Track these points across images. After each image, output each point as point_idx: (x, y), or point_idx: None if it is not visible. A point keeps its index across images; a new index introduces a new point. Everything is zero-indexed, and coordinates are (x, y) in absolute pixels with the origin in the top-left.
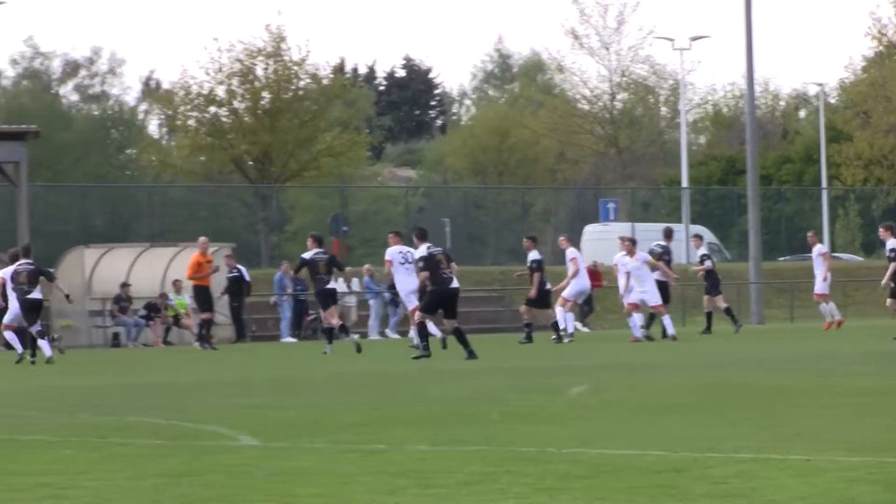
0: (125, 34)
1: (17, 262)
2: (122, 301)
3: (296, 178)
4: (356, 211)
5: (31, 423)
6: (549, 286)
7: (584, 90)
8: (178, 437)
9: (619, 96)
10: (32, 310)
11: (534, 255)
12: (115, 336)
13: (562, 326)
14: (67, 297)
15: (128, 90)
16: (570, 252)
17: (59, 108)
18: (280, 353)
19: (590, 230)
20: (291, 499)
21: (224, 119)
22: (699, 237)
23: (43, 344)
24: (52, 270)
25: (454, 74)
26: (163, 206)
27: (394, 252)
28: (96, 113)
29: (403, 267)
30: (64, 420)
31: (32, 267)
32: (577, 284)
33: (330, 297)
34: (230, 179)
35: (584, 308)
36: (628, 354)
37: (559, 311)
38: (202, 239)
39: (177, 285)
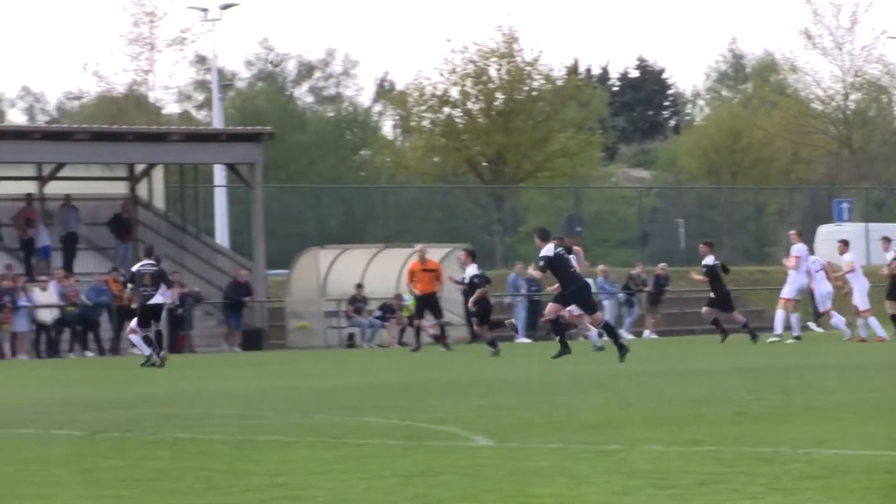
0: (359, 35)
1: (140, 263)
2: (357, 302)
3: (530, 178)
4: (590, 211)
5: (267, 424)
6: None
7: (817, 90)
8: (413, 438)
9: (852, 96)
10: (151, 313)
11: (708, 260)
12: (350, 337)
13: (778, 331)
14: (177, 307)
15: (362, 91)
16: (794, 248)
17: (294, 109)
18: (515, 354)
19: (824, 230)
20: (526, 499)
21: (458, 120)
22: (887, 239)
23: (137, 341)
24: (169, 277)
25: (687, 75)
26: (397, 207)
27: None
28: (331, 114)
29: None
30: (299, 421)
31: (155, 269)
32: (794, 282)
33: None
34: (464, 180)
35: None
36: (861, 354)
37: (779, 314)
38: (419, 247)
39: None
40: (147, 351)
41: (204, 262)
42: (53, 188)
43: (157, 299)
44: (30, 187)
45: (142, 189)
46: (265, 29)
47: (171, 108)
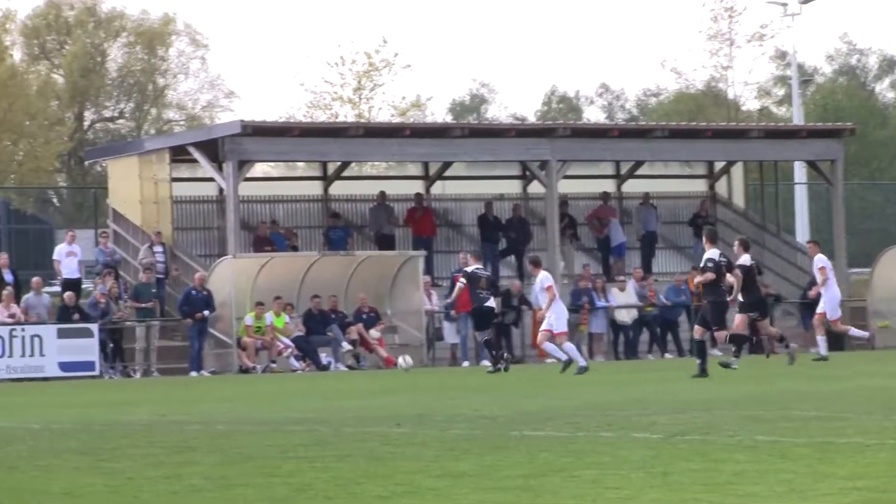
0: None
1: (474, 266)
2: None
3: None
4: None
5: (848, 426)
6: None
7: None
8: None
9: None
10: (485, 316)
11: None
12: None
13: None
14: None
15: None
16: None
17: (876, 105)
18: None
19: None
20: None
21: None
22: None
23: (551, 349)
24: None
25: None
26: None
27: None
28: None
29: None
30: (881, 422)
31: (488, 274)
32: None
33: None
34: None
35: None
36: None
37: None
38: None
39: None
40: (489, 358)
41: (784, 261)
42: (631, 186)
43: (493, 303)
44: (607, 185)
45: (721, 187)
46: (845, 23)
47: (751, 104)
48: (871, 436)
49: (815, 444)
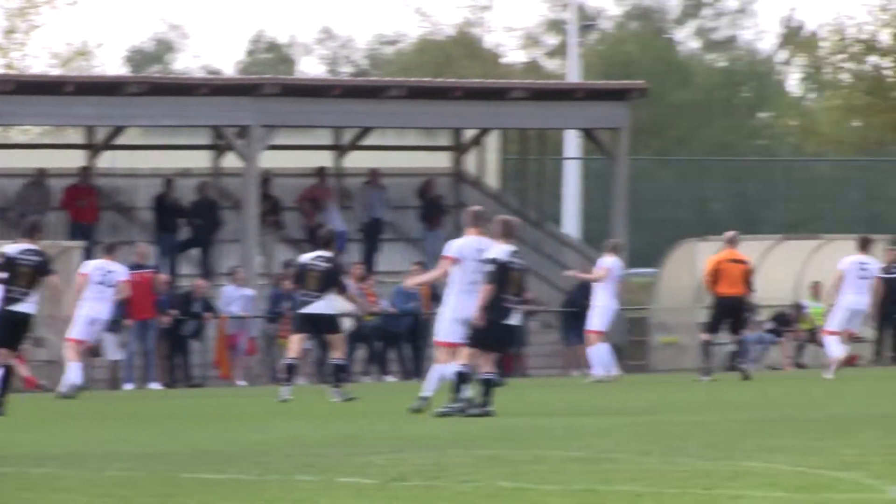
0: None
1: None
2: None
3: None
4: None
5: (621, 468)
6: None
7: None
8: (806, 488)
9: None
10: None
11: None
12: (733, 356)
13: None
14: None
15: (762, 35)
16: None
17: (675, 58)
18: None
19: None
20: None
21: (887, 72)
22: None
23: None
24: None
25: None
26: (804, 186)
27: None
28: (722, 64)
29: None
30: (664, 464)
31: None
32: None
33: None
34: (893, 152)
35: None
36: None
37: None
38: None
39: (815, 289)
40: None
41: (546, 258)
42: (355, 160)
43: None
44: (323, 159)
45: (469, 162)
46: None
47: (514, 55)
48: (646, 482)
49: (571, 492)
